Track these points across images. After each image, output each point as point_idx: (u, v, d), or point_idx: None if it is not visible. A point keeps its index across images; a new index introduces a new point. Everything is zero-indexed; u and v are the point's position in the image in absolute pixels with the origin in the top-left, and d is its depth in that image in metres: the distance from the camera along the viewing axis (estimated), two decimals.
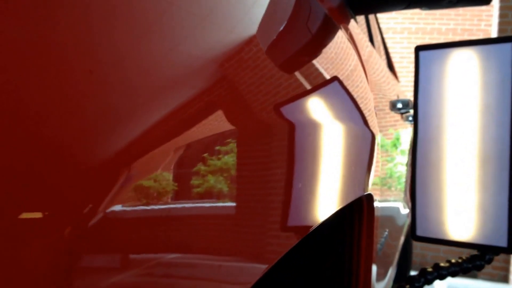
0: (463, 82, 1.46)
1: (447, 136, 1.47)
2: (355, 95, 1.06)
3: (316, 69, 0.83)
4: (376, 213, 1.20)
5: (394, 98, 2.18)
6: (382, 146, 1.92)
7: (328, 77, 0.88)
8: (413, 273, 3.74)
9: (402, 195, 2.19)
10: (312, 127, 0.70)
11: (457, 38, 5.87)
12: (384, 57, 2.98)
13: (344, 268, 1.15)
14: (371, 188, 1.13)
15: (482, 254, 1.42)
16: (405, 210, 2.38)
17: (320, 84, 0.83)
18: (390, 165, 2.01)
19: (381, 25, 5.91)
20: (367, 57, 2.09)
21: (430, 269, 1.41)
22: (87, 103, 0.32)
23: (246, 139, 0.51)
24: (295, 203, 0.62)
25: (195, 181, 0.42)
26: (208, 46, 0.49)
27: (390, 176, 2.02)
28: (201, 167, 0.43)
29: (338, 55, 1.05)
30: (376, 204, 1.18)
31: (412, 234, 1.50)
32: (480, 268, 1.42)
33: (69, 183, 0.30)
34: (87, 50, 0.33)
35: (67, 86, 0.31)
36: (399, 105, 2.14)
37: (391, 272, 2.21)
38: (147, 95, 0.38)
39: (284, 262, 1.13)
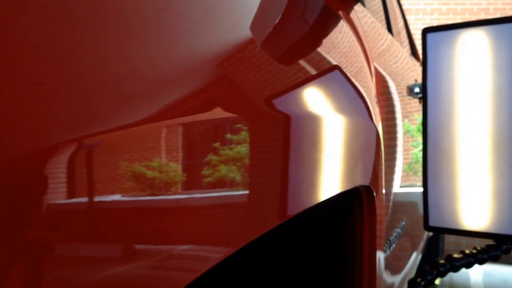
0: (473, 64, 1.40)
1: (459, 122, 1.41)
2: (354, 85, 1.03)
3: (314, 61, 0.82)
4: (380, 206, 1.16)
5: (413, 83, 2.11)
6: (407, 131, 1.87)
7: (326, 68, 0.87)
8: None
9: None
10: (308, 119, 0.69)
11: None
12: (407, 41, 2.90)
13: (346, 263, 1.11)
14: (372, 179, 1.09)
15: (499, 244, 1.35)
16: None
17: (319, 76, 0.82)
18: (415, 150, 1.95)
19: (410, 6, 5.78)
20: (388, 47, 2.05)
21: (442, 261, 1.35)
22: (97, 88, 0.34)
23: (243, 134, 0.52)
24: (293, 185, 0.63)
25: (205, 171, 0.44)
26: (210, 44, 0.50)
27: (416, 161, 1.96)
28: (212, 157, 0.45)
29: (338, 45, 1.02)
30: (381, 196, 1.14)
31: (424, 224, 1.44)
32: (496, 258, 1.35)
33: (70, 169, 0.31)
34: (89, 49, 0.34)
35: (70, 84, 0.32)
36: (417, 89, 2.07)
37: (414, 261, 2.16)
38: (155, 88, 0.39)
39: (285, 259, 1.12)
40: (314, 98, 0.75)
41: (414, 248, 2.20)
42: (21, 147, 0.29)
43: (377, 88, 1.66)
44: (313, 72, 0.79)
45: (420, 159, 1.65)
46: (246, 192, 0.53)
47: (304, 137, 0.68)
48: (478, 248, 1.36)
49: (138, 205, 0.37)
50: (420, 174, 1.75)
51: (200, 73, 0.46)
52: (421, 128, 1.90)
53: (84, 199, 0.33)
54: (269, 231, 0.57)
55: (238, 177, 0.51)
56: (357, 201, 1.10)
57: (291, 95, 0.67)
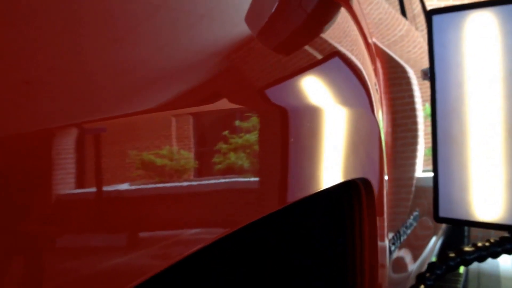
0: (483, 47, 1.32)
1: (469, 108, 1.34)
2: (354, 73, 1.00)
3: (313, 50, 0.81)
4: (380, 199, 1.12)
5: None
6: (428, 116, 1.82)
7: (324, 56, 0.86)
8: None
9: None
10: (306, 110, 0.69)
11: None
12: (424, 26, 2.81)
13: (345, 256, 1.09)
14: (371, 171, 1.06)
15: None
16: None
17: (317, 64, 0.81)
18: None
19: None
20: (406, 33, 1.99)
21: (452, 254, 1.28)
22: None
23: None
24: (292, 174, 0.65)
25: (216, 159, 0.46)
26: (213, 37, 0.51)
27: None
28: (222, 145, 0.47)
29: (336, 33, 0.99)
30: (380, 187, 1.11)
31: (434, 215, 1.38)
32: (511, 251, 1.28)
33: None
34: (102, 38, 0.35)
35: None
36: None
37: (433, 246, 2.11)
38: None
39: (283, 258, 1.11)
40: (312, 88, 0.74)
41: (434, 233, 2.16)
42: (28, 135, 0.29)
43: (392, 76, 1.62)
44: (311, 60, 0.78)
45: None
46: (251, 178, 0.56)
47: (300, 129, 0.67)
48: (492, 240, 1.30)
49: (148, 193, 0.38)
50: None
51: (204, 65, 0.47)
52: None
53: (93, 189, 0.33)
54: (269, 221, 0.62)
55: (245, 164, 0.53)
56: (355, 194, 1.07)
57: (287, 87, 0.66)
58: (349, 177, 0.92)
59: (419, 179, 1.86)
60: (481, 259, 1.28)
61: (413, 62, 2.03)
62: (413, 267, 1.75)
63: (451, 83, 1.37)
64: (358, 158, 0.97)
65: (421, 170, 1.88)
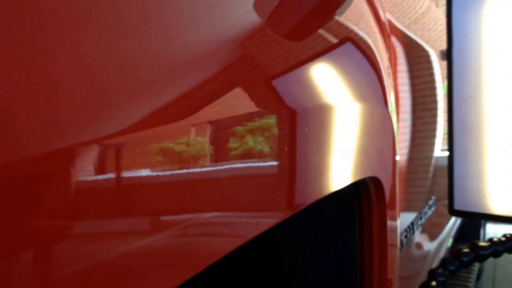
0: (504, 31, 1.24)
1: (487, 96, 1.27)
2: (367, 61, 0.95)
3: (324, 35, 0.77)
4: (392, 198, 1.08)
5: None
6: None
7: (336, 42, 0.81)
8: (490, 226, 3.50)
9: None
10: (316, 107, 0.66)
11: None
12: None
13: (354, 256, 1.05)
14: (382, 170, 1.01)
15: None
16: None
17: (328, 52, 0.76)
18: None
19: None
20: (426, 9, 1.93)
21: (466, 250, 1.22)
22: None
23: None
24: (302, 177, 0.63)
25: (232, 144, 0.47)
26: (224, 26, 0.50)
27: None
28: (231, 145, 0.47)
29: (349, 16, 0.93)
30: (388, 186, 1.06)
31: (449, 208, 1.32)
32: None
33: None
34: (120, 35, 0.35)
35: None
36: None
37: (451, 226, 2.08)
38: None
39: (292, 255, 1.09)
40: (323, 82, 0.70)
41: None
42: (48, 125, 0.30)
43: (412, 56, 1.56)
44: (316, 50, 0.73)
45: None
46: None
47: (309, 127, 0.64)
48: (508, 235, 1.23)
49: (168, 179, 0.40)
50: None
51: (212, 56, 0.46)
52: None
53: (113, 175, 0.34)
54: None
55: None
56: (364, 194, 1.03)
57: (296, 82, 0.63)
58: (358, 178, 0.88)
59: (438, 158, 1.82)
60: (497, 254, 1.22)
61: (433, 41, 1.99)
62: (427, 257, 1.72)
63: (469, 69, 1.29)
64: (368, 157, 0.92)
65: (440, 149, 1.84)
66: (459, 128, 1.31)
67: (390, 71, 1.18)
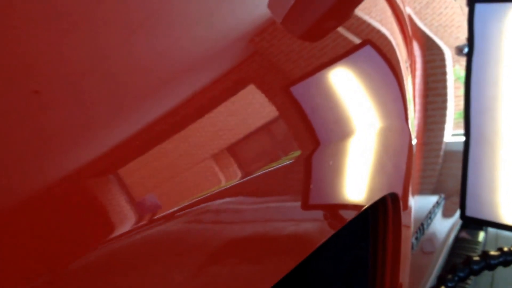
0: None
1: (504, 108, 1.28)
2: (388, 71, 0.94)
3: (341, 37, 0.74)
4: (408, 212, 1.10)
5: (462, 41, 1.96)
6: (458, 78, 1.77)
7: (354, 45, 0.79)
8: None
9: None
10: (333, 123, 0.65)
11: None
12: None
13: (367, 263, 1.08)
14: (401, 185, 1.03)
15: None
16: None
17: (344, 58, 0.73)
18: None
19: None
20: None
21: (476, 258, 1.26)
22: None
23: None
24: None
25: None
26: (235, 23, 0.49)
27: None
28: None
29: (369, 14, 0.93)
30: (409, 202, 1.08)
31: (461, 214, 1.35)
32: None
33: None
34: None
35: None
36: (466, 50, 1.92)
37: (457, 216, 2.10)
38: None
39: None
40: (347, 106, 0.69)
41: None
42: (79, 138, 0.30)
43: (423, 42, 1.55)
44: (338, 52, 0.71)
45: None
46: None
47: (334, 159, 0.64)
48: None
49: None
50: None
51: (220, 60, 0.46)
52: None
53: None
54: None
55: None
56: (381, 203, 1.05)
57: (309, 87, 0.62)
58: (378, 197, 0.90)
59: (448, 143, 1.83)
60: (507, 264, 1.26)
61: (443, 28, 1.97)
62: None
63: (487, 80, 1.30)
64: (388, 174, 0.94)
65: (451, 134, 1.85)
66: (475, 137, 1.33)
67: (408, 65, 1.18)
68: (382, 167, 0.90)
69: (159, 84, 0.37)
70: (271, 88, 0.53)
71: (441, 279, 1.27)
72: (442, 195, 1.73)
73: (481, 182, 1.32)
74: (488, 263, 1.25)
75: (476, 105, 1.31)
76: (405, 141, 1.05)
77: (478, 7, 1.30)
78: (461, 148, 1.80)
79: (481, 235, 3.12)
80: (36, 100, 0.29)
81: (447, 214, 1.91)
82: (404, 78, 1.03)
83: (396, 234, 1.08)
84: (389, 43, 0.98)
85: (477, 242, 2.92)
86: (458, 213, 2.10)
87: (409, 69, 1.18)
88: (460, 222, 2.15)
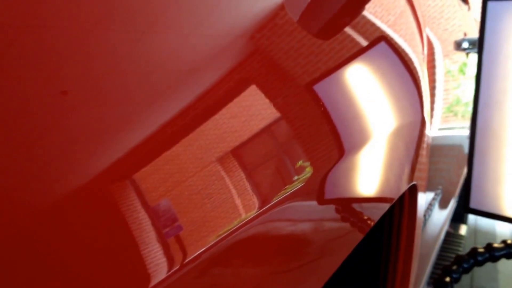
0: None
1: None
2: (403, 63, 0.94)
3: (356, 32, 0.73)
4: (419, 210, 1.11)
5: (460, 35, 1.98)
6: (448, 72, 1.79)
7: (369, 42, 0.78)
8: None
9: (469, 122, 2.09)
10: (350, 118, 0.64)
11: None
12: None
13: (380, 261, 1.09)
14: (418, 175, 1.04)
15: None
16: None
17: (360, 55, 0.73)
18: (457, 91, 1.87)
19: None
20: None
21: (481, 249, 1.29)
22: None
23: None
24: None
25: None
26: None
27: (457, 103, 1.89)
28: None
29: (385, 9, 0.92)
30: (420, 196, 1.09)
31: (464, 206, 1.37)
32: None
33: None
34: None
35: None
36: (465, 45, 1.94)
37: (452, 205, 2.14)
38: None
39: None
40: (355, 90, 0.67)
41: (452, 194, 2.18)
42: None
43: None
44: (352, 49, 0.70)
45: (460, 101, 1.56)
46: None
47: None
48: None
49: None
50: (460, 115, 1.69)
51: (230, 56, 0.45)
52: (463, 68, 1.80)
53: None
54: None
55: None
56: (397, 202, 1.06)
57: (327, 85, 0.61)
58: (407, 186, 0.91)
59: (435, 138, 1.85)
60: (510, 256, 1.29)
61: (432, 18, 1.99)
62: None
63: (497, 74, 1.32)
64: (413, 165, 0.95)
65: (438, 128, 1.88)
66: (481, 130, 1.35)
67: (424, 56, 1.19)
68: (407, 160, 0.91)
69: (163, 88, 0.37)
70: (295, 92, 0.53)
71: (446, 270, 1.30)
72: (440, 187, 1.76)
73: (486, 175, 1.35)
74: (492, 255, 1.28)
75: (484, 98, 1.33)
76: (423, 132, 1.06)
77: (491, 4, 1.32)
78: (448, 142, 1.82)
79: (464, 229, 3.19)
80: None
81: (442, 206, 1.94)
82: (420, 70, 1.04)
83: (411, 224, 1.09)
84: (406, 35, 0.99)
85: (460, 236, 2.98)
86: (450, 206, 2.14)
87: (425, 60, 1.19)
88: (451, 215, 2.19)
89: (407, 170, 0.92)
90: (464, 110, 1.82)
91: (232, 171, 0.41)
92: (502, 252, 1.28)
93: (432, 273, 2.05)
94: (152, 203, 0.33)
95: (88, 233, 0.29)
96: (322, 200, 0.55)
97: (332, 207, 0.58)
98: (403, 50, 0.94)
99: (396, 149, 0.82)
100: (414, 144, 0.99)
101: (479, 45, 1.33)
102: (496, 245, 1.29)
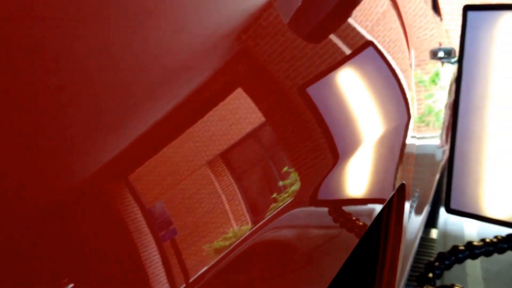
0: None
1: (491, 107, 1.37)
2: (388, 67, 0.95)
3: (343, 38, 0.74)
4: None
5: (435, 44, 2.05)
6: (420, 82, 1.84)
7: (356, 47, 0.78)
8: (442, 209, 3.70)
9: (439, 131, 2.14)
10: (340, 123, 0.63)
11: None
12: None
13: (368, 260, 1.12)
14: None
15: None
16: (441, 148, 2.32)
17: (347, 60, 0.72)
18: (429, 101, 1.92)
19: None
20: (388, 8, 1.96)
21: (462, 247, 1.35)
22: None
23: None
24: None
25: None
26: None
27: (429, 113, 1.94)
28: None
29: (371, 15, 0.94)
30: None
31: (446, 206, 1.43)
32: None
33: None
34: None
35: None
36: (441, 54, 2.01)
37: (425, 213, 2.19)
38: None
39: None
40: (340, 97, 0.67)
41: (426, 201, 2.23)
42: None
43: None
44: (339, 54, 0.70)
45: (432, 111, 1.63)
46: None
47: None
48: (499, 237, 1.36)
49: None
50: (431, 126, 1.74)
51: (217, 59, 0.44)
52: (435, 78, 1.86)
53: None
54: None
55: None
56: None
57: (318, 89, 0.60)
58: (398, 184, 0.95)
59: (408, 146, 1.89)
60: (488, 253, 1.35)
61: (394, 41, 2.03)
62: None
63: (477, 80, 1.39)
64: (400, 164, 0.99)
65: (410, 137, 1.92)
66: (462, 134, 1.42)
67: (411, 62, 1.23)
68: (395, 160, 0.95)
69: (153, 87, 0.35)
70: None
71: (429, 266, 1.35)
72: (417, 194, 1.81)
73: (466, 177, 1.41)
74: (472, 252, 1.34)
75: (464, 104, 1.40)
76: (407, 134, 1.10)
77: (470, 14, 1.39)
78: (420, 151, 1.87)
79: (435, 233, 3.27)
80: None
81: (418, 212, 2.00)
82: (407, 76, 1.08)
83: (399, 221, 1.13)
84: (396, 41, 1.03)
85: (432, 240, 3.06)
86: (425, 212, 2.20)
87: (412, 66, 1.24)
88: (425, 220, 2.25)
89: (396, 171, 0.95)
90: (436, 120, 1.88)
91: (222, 176, 0.40)
92: (481, 250, 1.34)
93: (410, 275, 2.10)
94: (148, 205, 0.32)
95: (84, 235, 0.28)
96: (316, 206, 0.55)
97: (326, 213, 0.58)
98: (390, 56, 0.98)
99: (386, 152, 0.85)
100: (400, 145, 1.02)
101: (459, 53, 1.40)
102: (475, 243, 1.35)
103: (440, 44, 2.17)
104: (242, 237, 0.39)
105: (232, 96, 0.44)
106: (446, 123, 2.01)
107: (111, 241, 0.29)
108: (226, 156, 0.41)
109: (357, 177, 0.69)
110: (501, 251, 1.35)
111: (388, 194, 0.86)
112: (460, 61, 1.41)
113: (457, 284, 1.23)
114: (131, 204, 0.31)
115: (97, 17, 0.33)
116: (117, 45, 0.34)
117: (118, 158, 0.31)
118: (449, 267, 1.35)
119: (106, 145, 0.31)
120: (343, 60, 0.70)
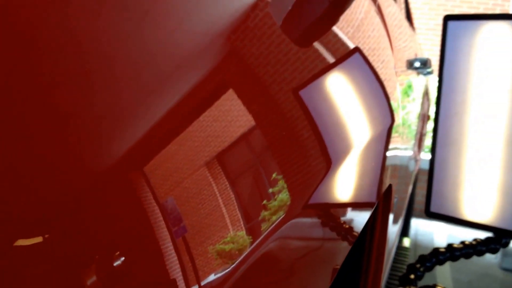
0: (494, 58, 1.39)
1: (471, 113, 1.42)
2: (373, 74, 0.97)
3: (330, 44, 0.73)
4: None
5: (410, 55, 2.10)
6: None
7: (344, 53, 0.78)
8: (414, 220, 3.77)
9: (412, 142, 2.18)
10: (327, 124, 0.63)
11: None
12: (403, 5, 2.85)
13: (355, 260, 1.13)
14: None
15: (498, 237, 1.39)
16: (414, 159, 2.37)
17: (334, 66, 0.72)
18: (401, 113, 1.96)
19: None
20: (365, 16, 2.00)
21: (442, 249, 1.38)
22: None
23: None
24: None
25: None
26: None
27: (402, 124, 1.98)
28: None
29: (357, 22, 0.95)
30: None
31: (426, 210, 1.47)
32: (495, 251, 1.40)
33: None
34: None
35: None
36: (417, 64, 2.06)
37: (401, 222, 2.23)
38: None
39: None
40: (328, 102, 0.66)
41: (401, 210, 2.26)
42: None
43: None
44: (326, 60, 0.69)
45: (407, 122, 1.67)
46: None
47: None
48: (478, 240, 1.40)
49: None
50: (405, 137, 1.78)
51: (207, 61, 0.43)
52: (408, 90, 1.91)
53: None
54: None
55: None
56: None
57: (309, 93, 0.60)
58: (386, 186, 0.97)
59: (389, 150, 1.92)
60: (468, 255, 1.39)
61: (373, 49, 2.06)
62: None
63: (457, 88, 1.43)
64: (385, 167, 1.01)
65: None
66: (442, 139, 1.46)
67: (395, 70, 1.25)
68: (381, 164, 0.97)
69: (151, 86, 0.35)
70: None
71: (411, 268, 1.38)
72: (396, 197, 1.85)
73: (446, 181, 1.45)
74: (452, 254, 1.38)
75: (445, 110, 1.44)
76: (389, 138, 1.12)
77: (451, 24, 1.44)
78: (394, 162, 1.91)
79: (407, 241, 3.33)
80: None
81: (395, 221, 2.03)
82: (392, 81, 1.11)
83: (384, 221, 1.15)
84: (382, 49, 1.05)
85: (405, 248, 3.11)
86: (400, 221, 2.23)
87: (397, 74, 1.27)
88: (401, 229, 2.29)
89: (383, 174, 0.97)
90: (408, 132, 1.93)
91: (218, 178, 0.40)
92: (461, 252, 1.38)
93: (388, 283, 2.14)
94: (159, 201, 0.32)
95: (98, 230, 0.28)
96: (309, 214, 0.54)
97: (320, 223, 0.58)
98: (375, 63, 1.00)
99: (373, 155, 0.87)
100: (384, 149, 1.04)
101: (440, 61, 1.44)
102: (455, 245, 1.39)
103: (416, 55, 2.22)
104: (242, 256, 0.39)
105: (220, 100, 0.43)
106: (418, 135, 2.05)
107: (129, 238, 0.29)
108: (221, 159, 0.40)
109: (349, 182, 0.70)
110: (480, 253, 1.39)
111: (378, 198, 0.89)
112: (440, 70, 1.45)
113: (439, 284, 1.27)
114: (135, 203, 0.31)
115: (88, 21, 0.33)
116: (110, 48, 0.33)
117: (125, 156, 0.31)
118: (430, 268, 1.38)
119: (107, 145, 0.31)
120: (332, 65, 0.70)
